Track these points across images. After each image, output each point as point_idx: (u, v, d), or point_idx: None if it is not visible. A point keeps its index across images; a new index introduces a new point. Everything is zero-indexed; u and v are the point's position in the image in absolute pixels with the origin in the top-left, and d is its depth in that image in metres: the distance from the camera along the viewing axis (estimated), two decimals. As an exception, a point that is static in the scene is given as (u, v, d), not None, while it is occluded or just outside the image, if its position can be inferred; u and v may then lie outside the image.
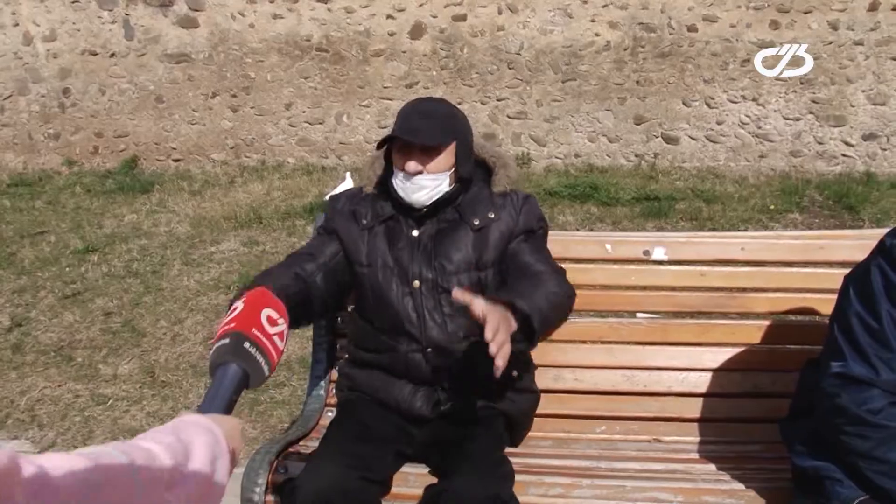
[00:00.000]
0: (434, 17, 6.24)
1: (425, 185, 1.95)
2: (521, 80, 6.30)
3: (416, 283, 1.97)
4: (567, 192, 5.61)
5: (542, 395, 2.17)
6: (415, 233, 2.02)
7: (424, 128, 1.92)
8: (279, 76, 6.59)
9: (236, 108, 6.74)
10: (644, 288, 2.27)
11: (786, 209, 5.35)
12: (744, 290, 2.24)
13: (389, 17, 6.29)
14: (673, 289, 2.26)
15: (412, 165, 1.93)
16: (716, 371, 2.22)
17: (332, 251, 2.04)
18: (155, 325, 3.97)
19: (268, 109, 6.70)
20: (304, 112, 6.66)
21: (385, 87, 6.49)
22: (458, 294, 1.64)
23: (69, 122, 7.00)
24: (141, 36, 6.67)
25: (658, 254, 2.25)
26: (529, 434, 2.16)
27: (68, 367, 3.64)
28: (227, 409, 1.09)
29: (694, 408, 2.21)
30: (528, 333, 1.74)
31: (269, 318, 1.19)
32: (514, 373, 2.00)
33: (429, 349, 1.97)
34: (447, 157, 1.96)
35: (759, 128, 6.13)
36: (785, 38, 5.86)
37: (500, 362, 1.57)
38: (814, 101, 6.00)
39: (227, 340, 1.14)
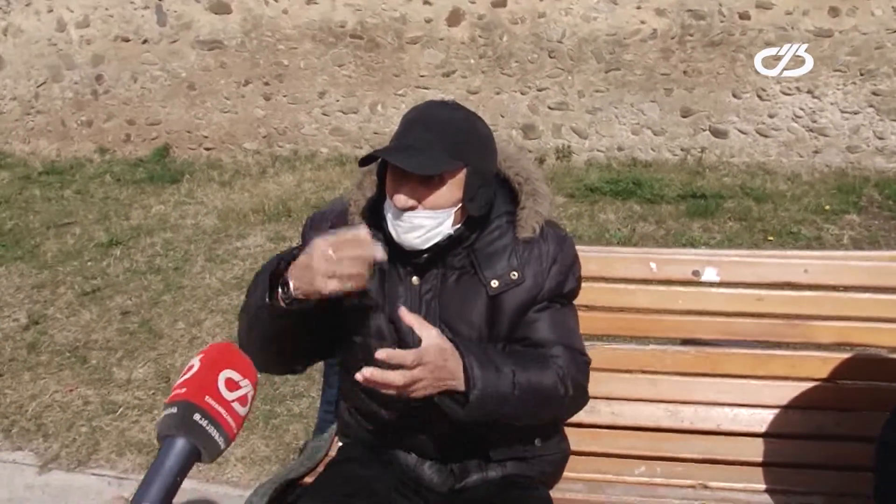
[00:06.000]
0: (472, 2, 5.99)
1: (420, 224, 1.49)
2: (563, 70, 6.02)
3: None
4: (609, 188, 5.34)
5: (574, 429, 1.94)
6: (415, 280, 1.59)
7: (424, 145, 1.47)
8: (312, 64, 6.41)
9: (269, 96, 6.57)
10: (693, 312, 2.02)
11: (842, 209, 5.02)
12: (807, 317, 1.97)
13: (426, 2, 6.05)
14: (726, 314, 2.01)
15: (402, 198, 1.47)
16: (772, 408, 1.97)
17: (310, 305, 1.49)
18: (172, 325, 3.82)
19: (301, 98, 6.53)
20: (337, 101, 6.47)
21: (421, 76, 6.27)
22: (405, 314, 1.38)
23: (102, 109, 6.91)
24: (173, 22, 6.54)
25: (709, 274, 2.00)
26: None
27: (82, 369, 3.51)
28: (168, 495, 0.91)
29: (746, 450, 1.96)
30: (464, 404, 1.44)
31: (227, 382, 0.99)
32: (537, 441, 1.73)
33: (435, 433, 1.66)
34: (452, 188, 1.48)
35: (814, 121, 5.78)
36: (845, 26, 5.49)
37: (361, 377, 1.32)
38: (874, 94, 5.63)
39: (174, 410, 0.95)
